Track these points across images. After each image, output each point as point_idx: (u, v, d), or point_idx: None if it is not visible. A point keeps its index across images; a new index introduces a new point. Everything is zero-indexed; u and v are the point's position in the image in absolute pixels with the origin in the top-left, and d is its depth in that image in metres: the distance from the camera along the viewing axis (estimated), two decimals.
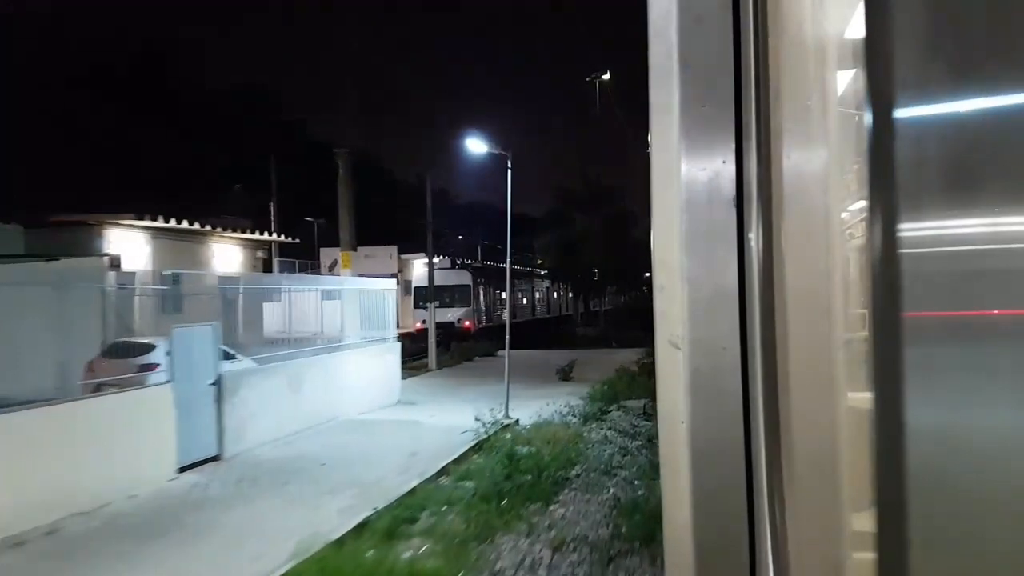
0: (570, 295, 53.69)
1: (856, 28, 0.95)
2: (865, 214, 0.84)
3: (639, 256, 38.88)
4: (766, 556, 1.01)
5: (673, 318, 1.02)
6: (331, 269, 37.12)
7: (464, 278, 38.23)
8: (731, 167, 1.01)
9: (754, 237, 1.01)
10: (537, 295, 52.09)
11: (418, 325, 33.09)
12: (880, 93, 0.82)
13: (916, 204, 0.79)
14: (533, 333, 40.03)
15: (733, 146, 1.02)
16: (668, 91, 1.03)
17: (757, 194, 1.01)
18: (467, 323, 36.42)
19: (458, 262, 42.81)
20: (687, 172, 1.02)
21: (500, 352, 25.45)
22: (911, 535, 0.79)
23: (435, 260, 37.25)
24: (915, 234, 0.79)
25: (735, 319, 1.01)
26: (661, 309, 1.03)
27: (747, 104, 1.02)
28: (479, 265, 45.75)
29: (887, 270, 0.80)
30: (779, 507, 1.01)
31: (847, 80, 1.07)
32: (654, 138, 1.04)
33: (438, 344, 29.91)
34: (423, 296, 33.41)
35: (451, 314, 35.81)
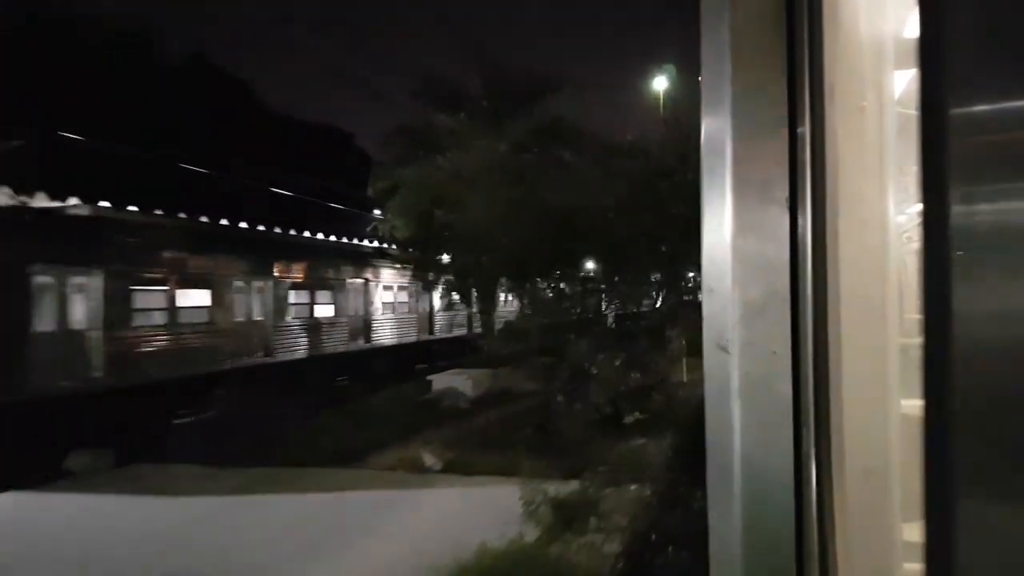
0: (439, 297, 25.91)
1: (913, 26, 0.92)
2: (922, 217, 0.82)
3: (597, 218, 14.54)
4: (814, 564, 0.99)
5: (722, 321, 1.00)
6: None
7: None
8: (784, 168, 1.00)
9: (807, 239, 0.99)
10: (384, 298, 26.93)
11: None
12: (939, 93, 0.80)
13: (974, 206, 0.77)
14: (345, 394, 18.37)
15: (786, 147, 1.00)
16: (719, 89, 1.01)
17: (811, 196, 0.99)
18: None
19: None
20: (738, 173, 1.00)
21: None
22: (962, 547, 0.77)
23: None
24: (973, 237, 0.77)
25: (787, 323, 0.99)
26: (710, 312, 1.02)
27: (801, 104, 1.01)
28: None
29: (942, 273, 0.77)
30: (828, 515, 0.99)
31: (905, 79, 1.05)
32: (705, 137, 1.02)
33: None
34: None
35: None
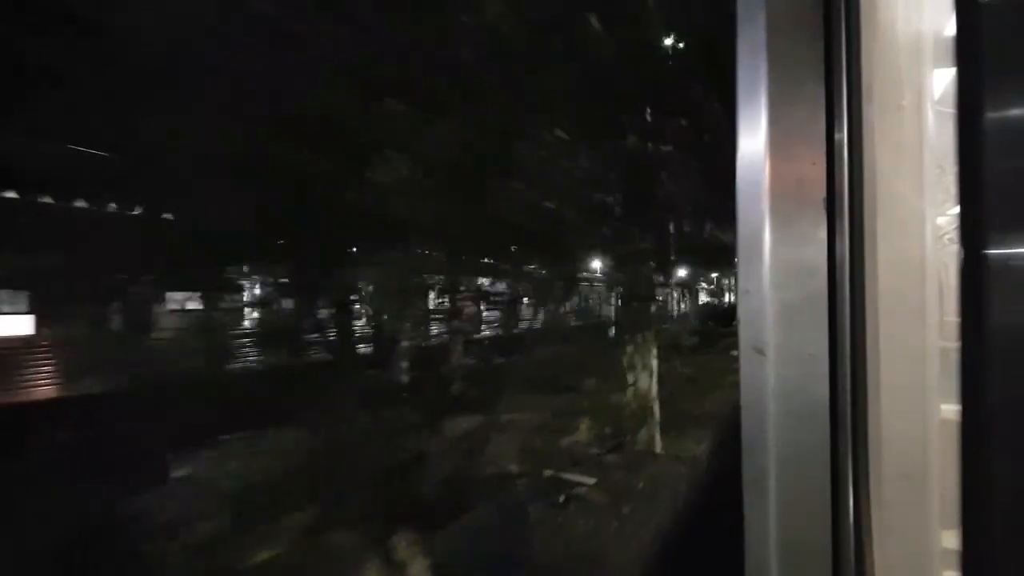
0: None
1: (954, 23, 0.91)
2: (959, 218, 0.80)
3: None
4: (850, 570, 0.98)
5: (758, 323, 1.00)
6: None
7: None
8: (821, 168, 0.99)
9: (845, 240, 0.97)
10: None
11: None
12: (976, 92, 0.79)
13: (1013, 208, 0.76)
14: None
15: (823, 147, 0.99)
16: (756, 89, 1.00)
17: (848, 196, 0.98)
18: None
19: None
20: (775, 173, 0.99)
21: None
22: (999, 555, 0.76)
23: None
24: (1010, 239, 0.76)
25: (824, 325, 0.98)
26: (746, 314, 1.01)
27: (838, 104, 0.99)
28: None
29: (979, 275, 0.76)
30: (865, 521, 0.98)
31: (945, 79, 1.03)
32: (741, 138, 1.01)
33: None
34: None
35: None
